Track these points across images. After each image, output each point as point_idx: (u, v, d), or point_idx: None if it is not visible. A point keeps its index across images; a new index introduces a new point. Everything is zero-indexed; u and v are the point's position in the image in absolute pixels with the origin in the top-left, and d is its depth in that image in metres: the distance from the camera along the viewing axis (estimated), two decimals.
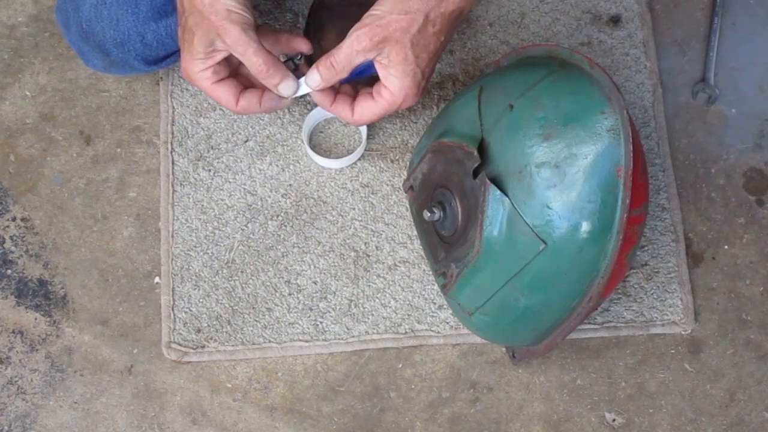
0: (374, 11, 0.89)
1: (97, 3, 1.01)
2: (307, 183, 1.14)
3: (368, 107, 0.94)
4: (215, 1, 0.87)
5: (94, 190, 1.14)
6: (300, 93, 0.94)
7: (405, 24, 0.88)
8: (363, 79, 0.94)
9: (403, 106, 0.93)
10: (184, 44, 0.91)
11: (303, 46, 0.98)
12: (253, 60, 0.89)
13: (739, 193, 1.17)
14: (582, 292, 0.91)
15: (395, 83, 0.91)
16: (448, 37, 0.92)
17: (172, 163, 1.14)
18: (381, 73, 0.91)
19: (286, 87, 0.92)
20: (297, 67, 0.95)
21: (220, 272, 1.10)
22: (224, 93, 0.93)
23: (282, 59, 0.94)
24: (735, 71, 1.21)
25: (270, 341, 1.08)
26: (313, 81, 0.92)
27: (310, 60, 1.02)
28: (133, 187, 1.14)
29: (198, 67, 0.91)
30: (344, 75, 0.91)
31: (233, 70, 0.95)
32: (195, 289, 1.10)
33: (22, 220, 1.13)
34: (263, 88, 0.94)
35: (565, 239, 0.88)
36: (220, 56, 0.91)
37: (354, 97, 0.96)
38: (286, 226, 1.12)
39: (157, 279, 1.11)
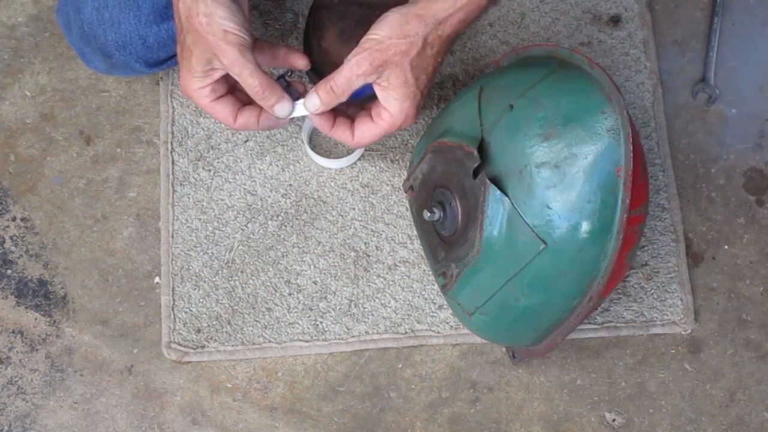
0: (373, 35, 0.89)
1: (98, 6, 1.01)
2: (307, 183, 1.14)
3: (368, 129, 0.94)
4: (212, 21, 0.86)
5: (94, 190, 1.14)
6: (296, 114, 0.93)
7: (404, 48, 0.88)
8: (358, 101, 0.94)
9: (402, 126, 0.93)
10: (182, 62, 0.91)
11: (300, 62, 0.98)
12: (249, 81, 0.89)
13: (739, 193, 1.17)
14: (582, 292, 0.91)
15: (395, 105, 0.91)
16: (445, 57, 0.93)
17: (172, 163, 1.14)
18: (381, 95, 0.91)
19: (282, 108, 0.92)
20: (288, 84, 0.94)
21: (220, 272, 1.10)
22: (222, 110, 0.93)
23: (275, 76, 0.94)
24: (735, 71, 1.21)
25: (270, 341, 1.08)
26: (312, 105, 0.92)
27: (313, 65, 1.03)
28: (133, 187, 1.14)
29: (196, 85, 0.91)
30: (344, 99, 0.91)
31: (231, 87, 0.94)
32: (195, 289, 1.10)
33: (22, 220, 1.13)
34: (261, 106, 0.94)
35: (565, 239, 0.88)
36: (218, 75, 0.91)
37: (352, 120, 0.96)
38: (286, 226, 1.12)
39: (157, 279, 1.11)
